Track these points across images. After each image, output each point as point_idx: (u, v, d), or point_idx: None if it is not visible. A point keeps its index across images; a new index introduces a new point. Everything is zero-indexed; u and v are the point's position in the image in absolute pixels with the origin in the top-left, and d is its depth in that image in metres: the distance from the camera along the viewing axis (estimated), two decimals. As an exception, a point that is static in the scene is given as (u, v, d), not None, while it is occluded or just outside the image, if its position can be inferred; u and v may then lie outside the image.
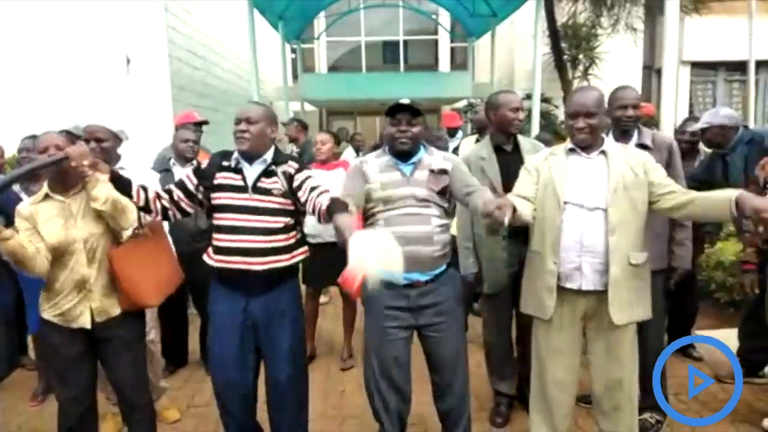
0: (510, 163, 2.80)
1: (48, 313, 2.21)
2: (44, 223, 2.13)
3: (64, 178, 2.17)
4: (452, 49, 15.60)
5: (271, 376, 2.40)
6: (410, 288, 2.30)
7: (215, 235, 2.31)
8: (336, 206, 1.98)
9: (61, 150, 2.13)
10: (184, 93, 6.49)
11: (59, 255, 2.13)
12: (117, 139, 2.88)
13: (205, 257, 2.36)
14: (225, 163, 2.32)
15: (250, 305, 2.30)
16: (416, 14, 13.85)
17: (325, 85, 13.17)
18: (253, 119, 2.26)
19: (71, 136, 3.09)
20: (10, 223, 2.18)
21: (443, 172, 2.34)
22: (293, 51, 12.80)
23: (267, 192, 2.26)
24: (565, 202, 2.20)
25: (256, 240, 2.23)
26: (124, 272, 2.21)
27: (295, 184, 2.28)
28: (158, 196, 2.33)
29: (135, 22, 6.02)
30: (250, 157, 2.29)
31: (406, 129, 2.30)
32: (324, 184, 2.31)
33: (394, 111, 2.32)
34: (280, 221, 2.27)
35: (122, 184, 2.24)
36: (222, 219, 2.29)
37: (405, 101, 2.31)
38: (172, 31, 5.85)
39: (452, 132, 5.94)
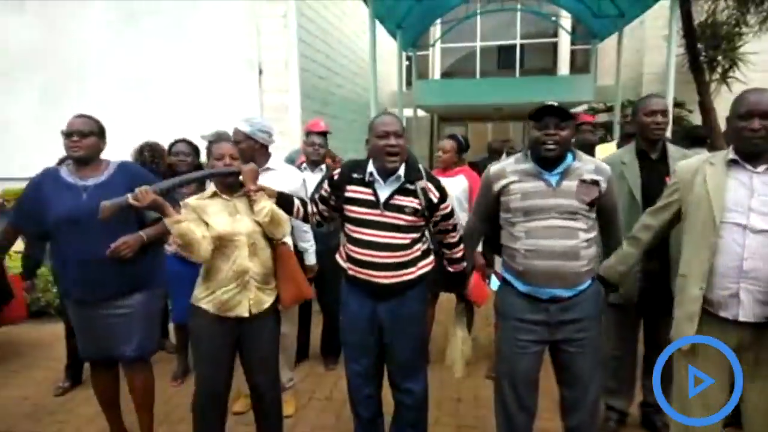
0: (653, 171, 2.66)
1: (204, 302, 2.40)
2: (212, 216, 2.35)
3: (232, 185, 2.41)
4: (572, 52, 14.97)
5: (393, 378, 2.48)
6: (551, 303, 2.22)
7: (348, 245, 2.40)
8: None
9: (235, 160, 2.39)
10: (309, 101, 6.85)
11: (223, 246, 2.33)
12: (252, 140, 3.00)
13: (337, 258, 2.48)
14: (355, 176, 2.35)
15: (377, 309, 2.38)
16: (534, 17, 13.47)
17: (438, 91, 13.20)
18: (400, 132, 2.27)
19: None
20: None
21: (595, 183, 2.18)
22: (408, 58, 13.01)
23: (399, 209, 2.28)
24: (722, 222, 1.95)
25: (383, 255, 2.29)
26: (293, 267, 2.43)
27: (436, 218, 2.35)
28: (314, 212, 2.53)
29: (269, 36, 6.47)
30: (386, 173, 2.30)
31: (555, 133, 2.13)
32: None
33: (541, 114, 2.16)
34: (408, 237, 2.30)
35: (285, 201, 2.46)
36: (352, 231, 2.36)
37: (552, 103, 2.16)
38: (302, 44, 6.21)
39: None
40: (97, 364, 2.78)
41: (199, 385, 2.49)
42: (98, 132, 2.63)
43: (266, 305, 2.44)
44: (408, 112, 12.16)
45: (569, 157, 2.22)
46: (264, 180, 2.90)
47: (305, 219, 2.56)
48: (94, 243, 2.45)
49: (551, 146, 2.14)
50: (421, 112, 13.84)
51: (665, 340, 2.23)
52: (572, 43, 14.57)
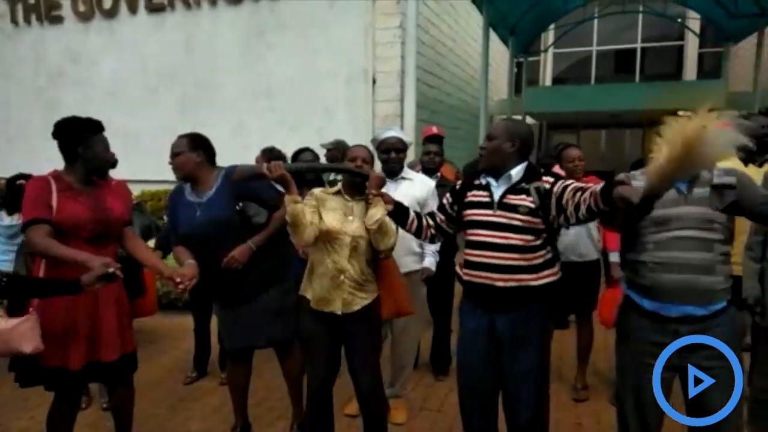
0: None
1: (306, 293, 2.60)
2: (328, 210, 2.53)
3: (357, 186, 2.53)
4: (700, 56, 13.85)
5: (510, 396, 2.36)
6: (681, 323, 2.07)
7: (465, 250, 2.39)
8: (612, 184, 1.84)
9: (366, 164, 2.55)
10: (419, 110, 6.90)
11: (327, 241, 2.49)
12: (406, 148, 3.20)
13: (456, 268, 2.47)
14: (476, 182, 2.41)
15: (495, 322, 2.31)
16: (658, 19, 12.63)
17: (549, 98, 12.78)
18: (492, 135, 2.34)
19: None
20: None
21: (728, 187, 2.05)
22: (517, 65, 12.72)
23: (512, 208, 2.25)
24: None
25: (500, 256, 2.25)
26: (392, 281, 2.47)
27: (554, 197, 2.18)
28: (428, 225, 2.55)
29: (384, 47, 6.61)
30: (495, 173, 2.33)
31: None
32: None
33: None
34: (525, 239, 2.23)
35: (401, 213, 2.50)
36: (470, 234, 2.37)
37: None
38: (417, 55, 6.28)
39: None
40: (236, 354, 2.99)
41: (308, 372, 2.68)
42: (189, 148, 2.64)
43: (355, 308, 2.52)
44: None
45: None
46: (401, 188, 3.09)
47: (417, 233, 2.55)
48: (217, 255, 2.64)
49: None
50: (530, 120, 13.47)
51: None
52: (701, 45, 13.50)
